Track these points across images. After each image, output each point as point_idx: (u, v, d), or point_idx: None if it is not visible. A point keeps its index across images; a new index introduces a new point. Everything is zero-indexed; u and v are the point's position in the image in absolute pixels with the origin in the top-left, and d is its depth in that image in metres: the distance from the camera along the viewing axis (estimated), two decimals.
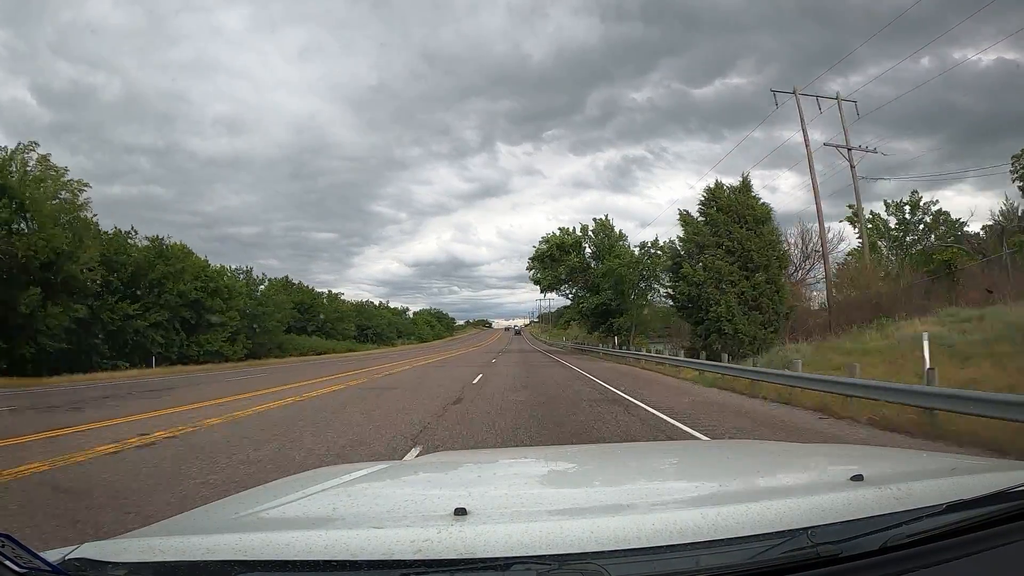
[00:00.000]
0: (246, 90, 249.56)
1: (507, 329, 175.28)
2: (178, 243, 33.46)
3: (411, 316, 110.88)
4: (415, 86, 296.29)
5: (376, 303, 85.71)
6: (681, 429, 7.35)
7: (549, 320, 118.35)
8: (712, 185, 21.08)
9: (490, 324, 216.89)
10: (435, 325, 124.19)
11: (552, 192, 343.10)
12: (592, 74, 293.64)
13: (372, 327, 72.17)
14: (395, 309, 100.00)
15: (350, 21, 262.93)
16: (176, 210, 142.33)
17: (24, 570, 0.85)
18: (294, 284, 59.13)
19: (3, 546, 0.85)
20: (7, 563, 0.84)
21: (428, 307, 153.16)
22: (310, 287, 62.16)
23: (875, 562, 0.92)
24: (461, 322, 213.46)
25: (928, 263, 21.88)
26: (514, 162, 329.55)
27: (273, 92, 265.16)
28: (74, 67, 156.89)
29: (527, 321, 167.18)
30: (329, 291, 67.26)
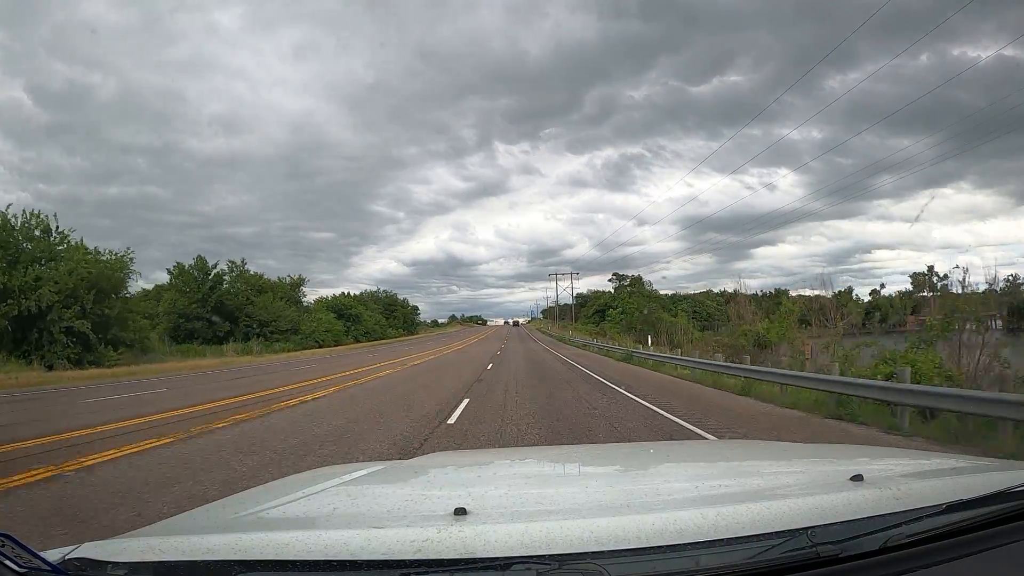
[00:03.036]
0: (242, 89, 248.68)
1: (505, 323, 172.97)
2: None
3: (308, 299, 59.32)
4: (412, 84, 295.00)
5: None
6: None
7: (567, 315, 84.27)
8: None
9: (485, 322, 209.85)
10: (364, 319, 68.48)
11: (550, 191, 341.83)
12: (590, 72, 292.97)
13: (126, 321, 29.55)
14: (252, 274, 49.56)
15: (345, 19, 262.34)
16: (174, 210, 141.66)
17: (24, 570, 0.85)
18: None
19: (3, 546, 0.85)
20: (7, 563, 0.84)
21: (375, 288, 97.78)
22: None
23: (875, 562, 0.92)
24: (443, 319, 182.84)
25: None
26: (512, 161, 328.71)
27: (269, 91, 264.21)
28: (70, 67, 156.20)
29: (527, 319, 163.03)
30: None
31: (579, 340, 46.54)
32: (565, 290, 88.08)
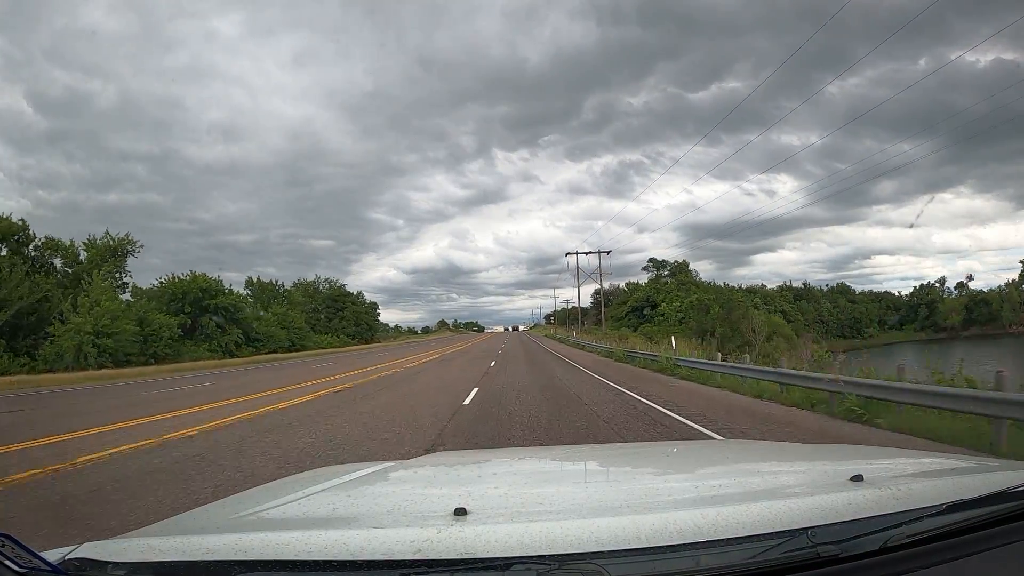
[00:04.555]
0: (241, 96, 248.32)
1: (505, 329, 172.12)
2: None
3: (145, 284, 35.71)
4: (411, 91, 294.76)
5: None
6: None
7: (586, 317, 57.03)
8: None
9: (482, 328, 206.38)
10: (248, 320, 43.23)
11: (549, 198, 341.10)
12: (588, 78, 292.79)
13: None
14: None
15: (344, 27, 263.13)
16: (173, 217, 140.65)
17: (24, 570, 0.85)
18: None
19: (3, 546, 0.85)
20: (7, 563, 0.84)
21: (311, 278, 68.78)
22: None
23: (875, 562, 0.92)
24: (434, 326, 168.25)
25: None
26: (511, 168, 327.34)
27: (268, 98, 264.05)
28: (69, 74, 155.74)
29: (530, 326, 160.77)
30: None
31: (735, 368, 11.93)
32: (592, 276, 51.69)
